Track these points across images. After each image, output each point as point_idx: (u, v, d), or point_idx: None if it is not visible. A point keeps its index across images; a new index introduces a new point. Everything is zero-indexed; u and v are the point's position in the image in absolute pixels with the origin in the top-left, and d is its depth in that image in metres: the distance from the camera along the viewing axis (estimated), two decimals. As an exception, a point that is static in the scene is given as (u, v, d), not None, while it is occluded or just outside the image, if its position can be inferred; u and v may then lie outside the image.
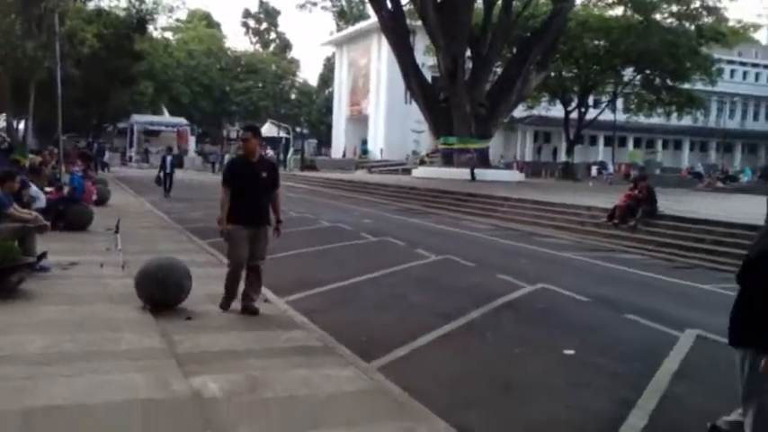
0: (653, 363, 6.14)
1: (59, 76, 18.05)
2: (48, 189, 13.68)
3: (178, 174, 29.98)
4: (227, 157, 52.54)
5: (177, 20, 73.49)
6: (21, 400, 4.30)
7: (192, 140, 62.01)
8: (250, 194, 6.81)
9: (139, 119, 57.06)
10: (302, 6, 41.08)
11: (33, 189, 11.82)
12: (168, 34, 74.53)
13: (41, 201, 11.80)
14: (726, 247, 13.54)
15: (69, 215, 12.54)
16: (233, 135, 68.12)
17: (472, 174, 32.02)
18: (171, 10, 51.46)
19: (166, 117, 62.39)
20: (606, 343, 6.93)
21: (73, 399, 4.38)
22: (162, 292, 6.89)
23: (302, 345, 5.98)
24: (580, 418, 4.90)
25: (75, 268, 8.92)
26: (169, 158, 25.73)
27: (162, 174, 25.18)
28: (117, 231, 9.88)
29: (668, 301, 9.31)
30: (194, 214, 18.34)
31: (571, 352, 6.47)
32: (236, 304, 7.07)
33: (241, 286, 7.06)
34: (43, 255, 8.62)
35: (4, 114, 36.98)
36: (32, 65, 22.19)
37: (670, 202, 19.25)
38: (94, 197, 15.27)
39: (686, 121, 58.12)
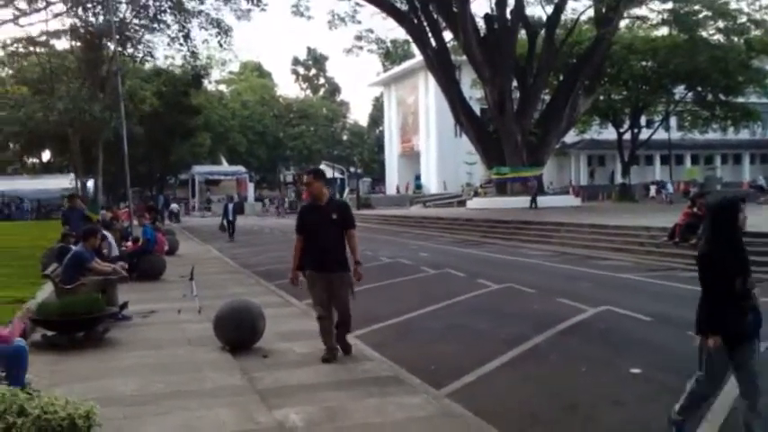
0: (720, 378, 6.20)
1: (125, 135, 19.02)
2: (128, 243, 14.40)
3: (240, 220, 30.94)
4: (286, 199, 53.87)
5: (230, 72, 76.27)
6: (121, 437, 4.70)
7: (250, 187, 63.66)
8: (320, 239, 6.71)
9: (200, 169, 59.00)
10: (349, 51, 41.81)
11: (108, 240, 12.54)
12: (222, 87, 77.24)
13: (114, 250, 12.49)
14: (791, 259, 13.31)
15: (143, 265, 13.21)
16: (289, 179, 69.72)
17: (534, 201, 32.11)
18: (224, 63, 53.59)
19: (225, 166, 64.34)
20: (672, 360, 7.01)
21: (169, 433, 4.77)
22: (238, 333, 7.30)
23: (374, 376, 6.27)
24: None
25: (155, 316, 9.46)
26: (231, 206, 27.21)
27: (225, 221, 26.59)
28: (192, 278, 10.40)
29: (734, 317, 9.27)
30: (259, 258, 18.98)
31: (637, 370, 6.59)
32: (301, 347, 7.39)
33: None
34: (125, 305, 9.17)
35: (71, 174, 38.80)
36: (100, 126, 23.42)
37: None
38: (166, 247, 16.00)
39: (744, 134, 56.91)
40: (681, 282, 12.72)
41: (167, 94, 35.67)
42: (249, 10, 28.93)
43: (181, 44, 26.19)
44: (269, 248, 22.38)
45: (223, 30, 25.82)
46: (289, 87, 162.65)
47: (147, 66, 37.00)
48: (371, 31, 41.15)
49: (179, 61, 35.06)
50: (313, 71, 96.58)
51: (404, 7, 36.37)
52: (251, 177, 65.74)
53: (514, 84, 35.98)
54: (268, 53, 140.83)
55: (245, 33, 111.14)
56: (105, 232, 12.79)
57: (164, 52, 74.24)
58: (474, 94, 42.94)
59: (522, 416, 5.48)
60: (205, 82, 44.31)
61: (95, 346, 7.63)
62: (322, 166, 63.76)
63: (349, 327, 7.08)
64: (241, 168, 63.06)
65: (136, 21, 25.81)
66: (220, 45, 27.20)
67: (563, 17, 36.85)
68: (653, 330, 8.50)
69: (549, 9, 35.90)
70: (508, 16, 34.40)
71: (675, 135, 50.77)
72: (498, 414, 5.34)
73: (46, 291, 10.25)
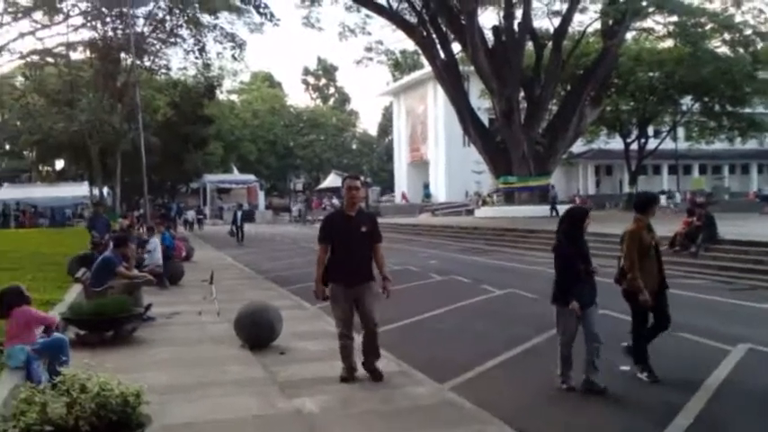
0: (703, 373, 6.76)
1: (143, 145, 19.66)
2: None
3: (251, 228, 31.77)
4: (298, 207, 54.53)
5: (241, 82, 77.19)
6: (159, 420, 5.23)
7: (261, 195, 64.37)
8: (348, 251, 6.35)
9: (211, 178, 59.81)
10: (359, 62, 42.45)
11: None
12: (233, 96, 78.18)
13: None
14: (786, 267, 13.84)
15: (164, 271, 13.81)
16: (299, 187, 70.43)
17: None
18: (235, 74, 54.36)
19: (236, 175, 65.13)
20: (659, 358, 7.51)
21: (201, 417, 5.39)
22: (258, 331, 7.90)
23: (384, 370, 6.82)
24: (632, 420, 5.60)
25: (177, 317, 10.07)
26: (239, 213, 30.27)
27: (234, 227, 29.59)
28: (212, 282, 11.00)
29: (723, 320, 9.81)
30: (272, 264, 19.60)
31: (626, 368, 7.12)
32: (315, 345, 7.94)
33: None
34: (149, 306, 9.77)
35: (85, 183, 39.56)
36: (118, 136, 24.08)
37: (733, 227, 19.44)
38: (184, 254, 16.62)
39: (752, 144, 57.05)
40: (678, 288, 13.09)
41: (182, 104, 36.45)
42: (262, 24, 29.66)
43: (196, 57, 26.92)
44: (281, 255, 22.99)
45: (237, 43, 26.49)
46: (299, 97, 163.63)
47: (160, 77, 37.72)
48: (381, 43, 41.81)
49: (192, 71, 35.82)
50: (323, 81, 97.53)
51: (413, 19, 37.03)
52: (261, 186, 66.51)
53: (522, 94, 36.55)
54: (278, 63, 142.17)
55: (256, 44, 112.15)
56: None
57: (177, 63, 75.46)
58: (482, 104, 43.49)
59: (517, 406, 6.03)
60: (217, 92, 45.00)
61: (124, 343, 8.22)
62: (332, 175, 64.82)
63: (378, 349, 6.63)
64: (251, 177, 63.88)
65: (153, 34, 26.53)
66: (234, 58, 27.92)
67: (570, 29, 37.38)
68: (645, 332, 9.01)
69: (556, 21, 36.49)
70: (516, 28, 34.99)
71: (683, 145, 51.21)
72: (494, 403, 5.88)
73: (73, 293, 10.86)
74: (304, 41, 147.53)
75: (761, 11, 35.08)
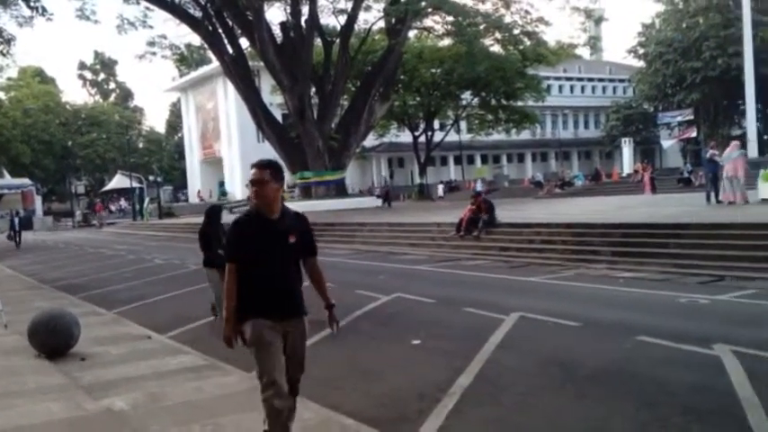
0: (482, 339, 7.61)
1: None
2: None
3: (30, 235, 30.04)
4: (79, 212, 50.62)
5: (8, 78, 70.53)
6: (-44, 435, 5.03)
7: (38, 200, 59.60)
8: (272, 271, 4.32)
9: (-22, 184, 54.41)
10: (141, 57, 40.77)
11: None
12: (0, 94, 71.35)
13: None
14: (552, 244, 15.67)
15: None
16: (81, 190, 66.10)
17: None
18: (0, 69, 49.62)
19: (8, 179, 59.62)
20: (446, 331, 8.39)
21: (7, 424, 5.18)
22: (54, 339, 7.58)
23: (191, 365, 6.93)
24: (421, 385, 6.21)
25: (-43, 333, 9.29)
26: (17, 219, 31.39)
27: (12, 233, 30.99)
28: (-5, 294, 10.27)
29: (501, 294, 10.98)
30: (58, 273, 18.51)
31: (417, 341, 7.84)
32: (117, 349, 7.80)
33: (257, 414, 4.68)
34: None
35: None
36: None
37: (509, 211, 21.47)
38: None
39: (525, 135, 62.93)
40: (464, 269, 14.48)
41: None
42: (32, 17, 27.54)
43: (-40, 55, 24.26)
44: (67, 263, 21.73)
45: (5, 39, 24.20)
46: (76, 93, 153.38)
47: None
48: (164, 37, 40.55)
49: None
50: (102, 76, 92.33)
51: (197, 13, 36.31)
52: (37, 190, 61.54)
53: (313, 90, 37.31)
54: (52, 58, 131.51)
55: (25, 38, 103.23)
56: None
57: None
58: (274, 99, 43.77)
59: (322, 383, 6.43)
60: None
61: None
62: (118, 176, 61.59)
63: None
64: (26, 180, 59.01)
65: None
66: (2, 54, 25.45)
67: (356, 27, 38.74)
68: (434, 310, 9.89)
69: (343, 19, 37.68)
70: (303, 25, 35.62)
71: (466, 137, 55.25)
72: (303, 385, 6.23)
73: None
74: (79, 35, 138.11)
75: (527, 12, 38.51)
